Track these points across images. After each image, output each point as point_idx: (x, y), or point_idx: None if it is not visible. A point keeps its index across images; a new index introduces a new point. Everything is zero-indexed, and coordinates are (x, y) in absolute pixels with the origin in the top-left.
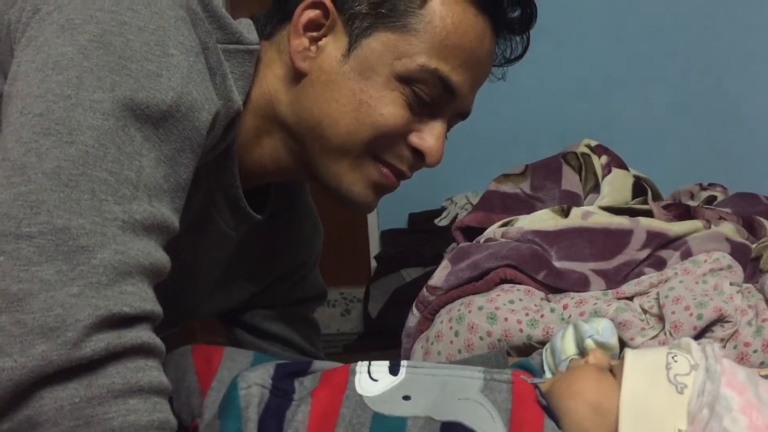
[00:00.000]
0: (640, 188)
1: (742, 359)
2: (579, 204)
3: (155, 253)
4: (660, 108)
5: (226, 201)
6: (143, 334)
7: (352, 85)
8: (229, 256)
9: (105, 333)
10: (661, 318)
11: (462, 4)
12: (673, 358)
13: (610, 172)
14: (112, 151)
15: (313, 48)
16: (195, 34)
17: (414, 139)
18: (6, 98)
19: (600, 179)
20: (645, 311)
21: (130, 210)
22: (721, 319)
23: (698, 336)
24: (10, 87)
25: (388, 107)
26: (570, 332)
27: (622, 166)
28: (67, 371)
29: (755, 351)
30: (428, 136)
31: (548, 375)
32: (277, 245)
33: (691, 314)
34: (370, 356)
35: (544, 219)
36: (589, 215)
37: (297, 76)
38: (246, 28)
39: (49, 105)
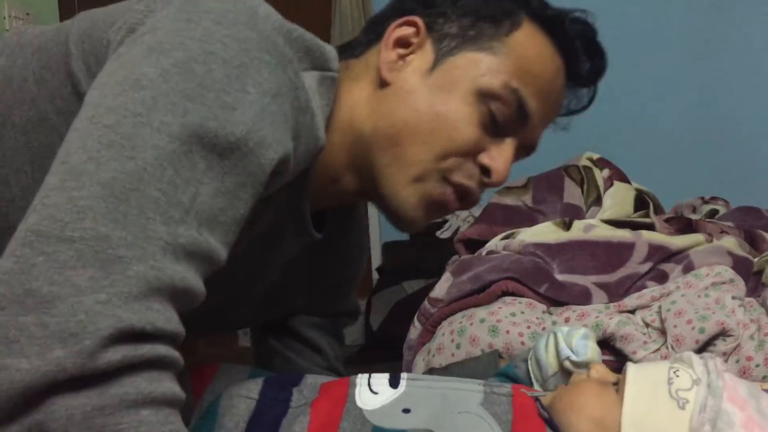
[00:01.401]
0: (641, 201)
1: (744, 373)
2: (581, 217)
3: (192, 280)
4: (661, 121)
5: (293, 222)
6: (160, 348)
7: (432, 96)
8: (283, 269)
9: (122, 345)
10: (663, 331)
11: (544, 40)
12: (674, 372)
13: (611, 185)
14: (170, 173)
15: (400, 62)
16: (279, 77)
17: (483, 157)
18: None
19: (602, 192)
20: (647, 324)
21: (175, 233)
22: (723, 333)
23: (700, 350)
24: (88, 95)
25: (464, 122)
26: (552, 345)
27: (624, 179)
28: (81, 379)
29: (757, 365)
30: (497, 155)
31: (536, 387)
32: (328, 261)
33: (693, 328)
34: (372, 369)
35: (545, 232)
36: (591, 228)
37: (381, 85)
38: (332, 52)
39: (119, 119)
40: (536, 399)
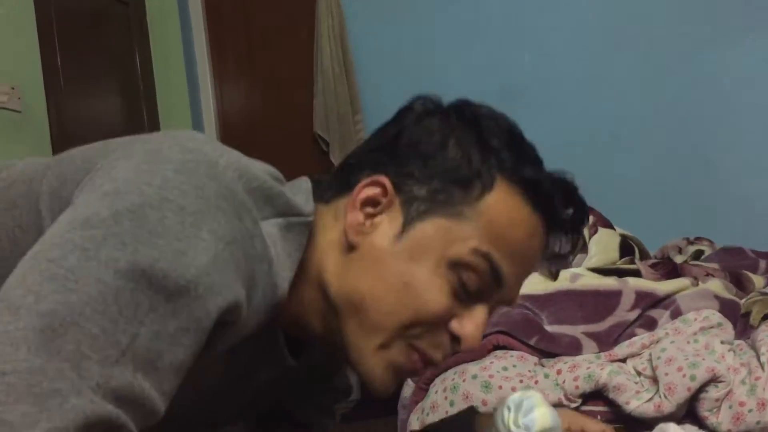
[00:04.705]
0: (627, 247)
1: (738, 419)
2: (567, 265)
3: (127, 423)
4: (642, 164)
5: (269, 359)
6: None
7: (400, 266)
8: (258, 389)
9: None
10: (655, 380)
11: (517, 202)
12: None
13: (596, 231)
14: (112, 311)
15: (368, 223)
16: (234, 225)
17: (454, 324)
18: None
19: (587, 239)
20: (639, 373)
21: (109, 374)
22: (714, 380)
23: (693, 397)
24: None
25: (433, 293)
26: (507, 419)
27: (608, 225)
28: None
29: (750, 410)
30: (468, 323)
31: None
32: (308, 376)
33: (684, 375)
34: (369, 424)
35: (533, 282)
36: (578, 278)
37: (348, 248)
38: (303, 195)
39: (65, 253)
40: None
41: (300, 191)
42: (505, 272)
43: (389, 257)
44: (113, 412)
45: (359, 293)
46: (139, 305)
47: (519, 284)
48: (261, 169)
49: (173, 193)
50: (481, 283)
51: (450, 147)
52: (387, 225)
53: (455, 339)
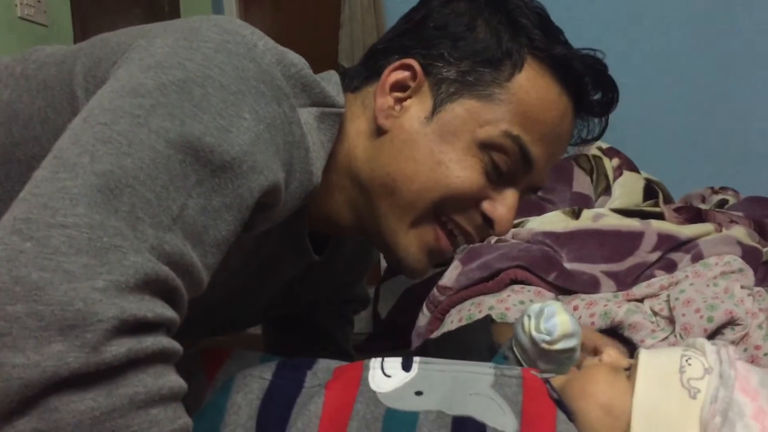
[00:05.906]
0: (651, 191)
1: (752, 362)
2: (590, 206)
3: (180, 285)
4: (671, 111)
5: (293, 251)
6: (163, 340)
7: (431, 145)
8: (286, 284)
9: (125, 338)
10: (671, 320)
11: (548, 82)
12: (687, 361)
13: (621, 174)
14: (164, 178)
15: (397, 107)
16: (273, 109)
17: (486, 206)
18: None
19: (611, 182)
20: (655, 313)
21: (162, 238)
22: (731, 322)
23: (709, 338)
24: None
25: (465, 171)
26: (528, 329)
27: (634, 168)
28: (85, 377)
29: (766, 354)
30: (500, 205)
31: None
32: (331, 272)
33: (701, 317)
34: (380, 356)
35: (554, 220)
36: (600, 217)
37: (378, 132)
38: (334, 87)
39: (116, 118)
40: (546, 381)
41: (331, 83)
42: (535, 155)
43: (420, 138)
44: (169, 273)
45: (390, 175)
46: (187, 177)
47: (548, 168)
48: (297, 57)
49: (214, 71)
50: (511, 164)
51: (479, 27)
52: (417, 108)
53: (487, 222)
